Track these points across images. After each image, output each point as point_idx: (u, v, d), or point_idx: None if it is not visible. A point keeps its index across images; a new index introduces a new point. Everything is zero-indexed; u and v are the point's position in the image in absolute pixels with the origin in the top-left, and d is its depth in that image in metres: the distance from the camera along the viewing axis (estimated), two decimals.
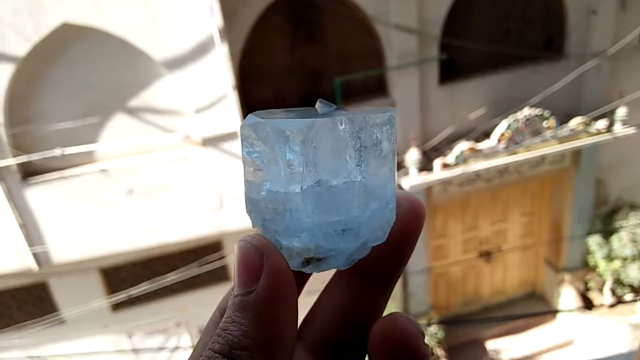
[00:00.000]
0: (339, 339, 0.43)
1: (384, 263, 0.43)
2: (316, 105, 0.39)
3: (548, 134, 5.97)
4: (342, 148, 0.36)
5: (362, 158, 0.36)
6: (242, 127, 0.37)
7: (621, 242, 6.88)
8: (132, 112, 5.34)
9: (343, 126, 0.35)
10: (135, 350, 6.85)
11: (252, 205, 0.38)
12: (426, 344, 0.38)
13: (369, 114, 0.37)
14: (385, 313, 0.43)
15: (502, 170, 6.49)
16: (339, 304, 0.44)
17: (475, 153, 5.89)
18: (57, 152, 4.93)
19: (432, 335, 6.70)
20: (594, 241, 7.09)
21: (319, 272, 0.39)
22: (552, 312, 7.69)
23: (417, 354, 0.38)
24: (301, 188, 0.35)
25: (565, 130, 6.02)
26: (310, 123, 0.34)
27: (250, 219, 0.39)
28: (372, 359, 0.40)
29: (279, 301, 0.35)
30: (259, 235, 0.37)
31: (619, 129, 6.18)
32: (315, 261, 0.37)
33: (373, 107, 0.39)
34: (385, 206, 0.39)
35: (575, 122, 6.03)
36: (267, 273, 0.35)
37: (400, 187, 6.03)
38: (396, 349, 0.38)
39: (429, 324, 6.79)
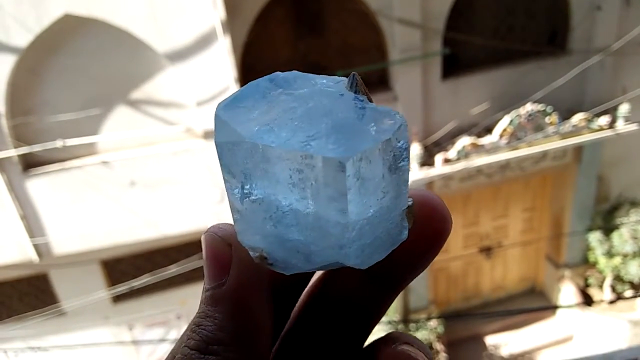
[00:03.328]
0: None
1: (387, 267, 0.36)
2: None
3: (550, 129, 5.95)
4: (288, 175, 0.30)
5: (314, 189, 0.30)
6: None
7: (622, 238, 6.88)
8: (134, 104, 5.34)
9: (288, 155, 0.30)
10: (136, 342, 6.87)
11: None
12: None
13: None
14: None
15: (504, 166, 6.48)
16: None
17: (477, 148, 5.88)
18: (59, 143, 4.93)
19: (432, 330, 6.71)
20: (595, 237, 7.09)
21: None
22: (552, 308, 7.70)
23: None
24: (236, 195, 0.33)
25: (567, 126, 6.01)
26: (241, 139, 0.31)
27: None
28: None
29: (251, 290, 0.34)
30: (225, 225, 0.36)
31: (621, 126, 6.16)
32: (267, 264, 0.33)
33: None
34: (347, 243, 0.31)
35: (578, 118, 6.01)
36: (237, 263, 0.34)
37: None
38: None
39: (428, 319, 6.80)
